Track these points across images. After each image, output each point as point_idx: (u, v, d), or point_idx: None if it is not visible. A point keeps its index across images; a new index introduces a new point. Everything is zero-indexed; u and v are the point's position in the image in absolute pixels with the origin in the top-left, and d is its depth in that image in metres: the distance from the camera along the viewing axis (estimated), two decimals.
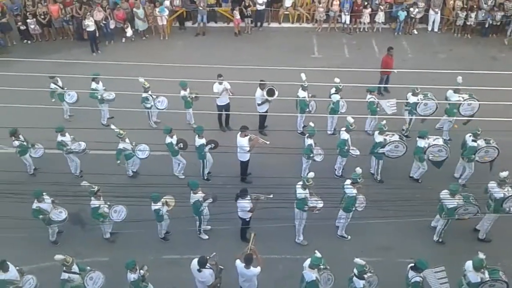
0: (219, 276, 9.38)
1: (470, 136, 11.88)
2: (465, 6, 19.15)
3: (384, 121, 12.26)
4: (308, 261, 9.00)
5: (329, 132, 13.83)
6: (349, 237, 11.30)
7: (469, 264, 9.05)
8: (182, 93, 13.57)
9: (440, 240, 11.13)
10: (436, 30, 19.95)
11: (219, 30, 20.47)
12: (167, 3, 19.44)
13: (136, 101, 13.69)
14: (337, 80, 13.46)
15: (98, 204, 10.55)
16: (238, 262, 9.12)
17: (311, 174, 10.57)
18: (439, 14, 19.55)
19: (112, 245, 11.20)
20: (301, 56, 18.24)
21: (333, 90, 13.53)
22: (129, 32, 19.17)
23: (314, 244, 10.38)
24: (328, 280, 9.19)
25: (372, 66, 15.78)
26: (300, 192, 10.42)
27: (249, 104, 13.50)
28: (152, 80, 13.78)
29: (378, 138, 12.07)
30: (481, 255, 8.93)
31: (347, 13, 19.58)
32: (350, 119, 12.22)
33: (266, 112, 13.74)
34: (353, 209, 10.72)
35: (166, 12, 19.29)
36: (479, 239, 11.18)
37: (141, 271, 9.15)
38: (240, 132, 11.94)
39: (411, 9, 19.30)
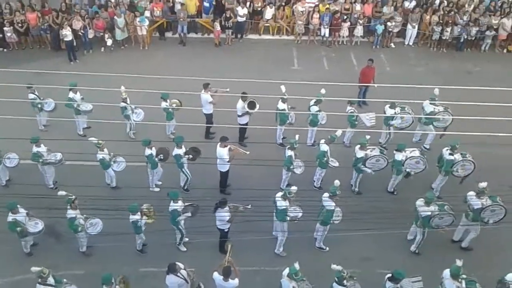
0: None
1: (447, 149, 12.02)
2: (441, 21, 19.59)
3: (369, 137, 12.35)
4: (287, 270, 9.04)
5: (308, 144, 13.90)
6: (327, 248, 11.32)
7: (446, 272, 9.16)
8: (163, 104, 13.51)
9: (417, 251, 11.23)
10: (411, 44, 20.35)
11: (200, 40, 20.51)
12: (147, 13, 19.43)
13: (114, 112, 13.53)
14: (323, 91, 13.54)
15: (75, 214, 10.37)
16: (216, 274, 9.05)
17: (294, 188, 10.51)
18: (416, 28, 19.93)
19: (88, 258, 10.99)
20: (281, 67, 18.38)
21: (312, 102, 13.62)
22: (109, 41, 19.03)
23: (293, 256, 10.36)
24: None
25: (350, 79, 15.93)
26: (281, 203, 10.42)
27: (229, 115, 13.49)
28: (131, 91, 13.68)
29: (359, 153, 12.14)
30: (459, 263, 9.06)
31: (326, 27, 19.83)
32: (339, 132, 12.28)
33: (246, 124, 13.75)
34: (331, 222, 10.76)
35: (147, 22, 19.25)
36: (462, 247, 11.34)
37: (117, 286, 8.98)
38: (220, 143, 11.91)
39: (389, 23, 19.68)
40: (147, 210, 10.47)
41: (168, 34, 20.69)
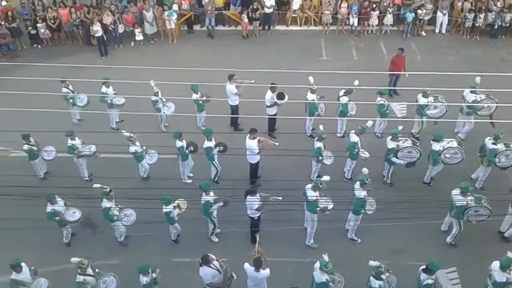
0: (228, 284, 9.37)
1: (490, 139, 11.75)
2: (474, 8, 19.09)
3: (401, 127, 12.15)
4: (318, 263, 9.05)
5: (338, 135, 13.84)
6: (359, 240, 11.28)
7: (496, 264, 9.00)
8: (194, 96, 13.65)
9: (453, 243, 11.08)
10: (444, 32, 19.89)
11: (228, 33, 20.57)
12: (175, 7, 19.59)
13: (145, 105, 13.75)
14: (356, 83, 13.40)
15: (110, 205, 10.62)
16: (247, 265, 9.13)
17: (326, 178, 10.50)
18: (447, 16, 19.47)
19: (124, 248, 11.25)
20: (309, 58, 18.26)
21: (341, 93, 13.51)
22: (139, 36, 19.29)
23: (324, 247, 10.34)
24: (339, 283, 9.19)
25: (380, 69, 15.70)
26: (311, 194, 10.43)
27: (258, 107, 13.51)
28: (161, 83, 13.86)
29: (391, 144, 11.99)
30: (510, 254, 8.90)
31: (355, 16, 19.59)
32: (369, 123, 12.18)
33: (275, 114, 13.77)
34: (363, 211, 10.71)
35: (175, 16, 19.42)
36: (505, 237, 11.15)
37: (153, 274, 9.20)
38: (249, 134, 11.96)
39: (419, 11, 19.27)
40: (182, 204, 10.65)
41: (196, 27, 20.79)
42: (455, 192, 10.45)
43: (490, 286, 9.07)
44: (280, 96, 13.28)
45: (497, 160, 11.68)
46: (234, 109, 14.09)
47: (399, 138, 12.04)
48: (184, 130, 12.28)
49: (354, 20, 19.70)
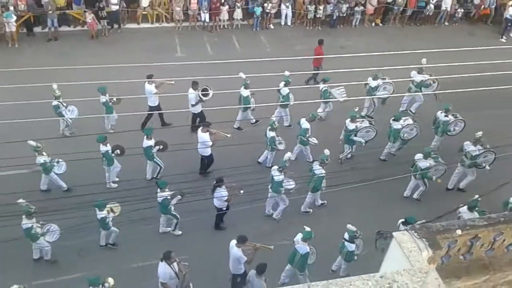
0: None
1: (441, 112, 13.32)
2: (314, 0, 20.75)
3: (357, 108, 13.08)
4: (299, 236, 9.42)
5: (285, 124, 14.38)
6: (311, 210, 11.96)
7: (464, 208, 10.20)
8: (102, 98, 12.86)
9: (418, 199, 12.43)
10: (289, 24, 21.24)
11: (74, 34, 19.20)
12: (11, 8, 17.78)
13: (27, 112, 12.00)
14: (287, 73, 13.84)
15: (31, 224, 9.62)
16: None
17: (288, 155, 11.20)
18: (290, 8, 20.90)
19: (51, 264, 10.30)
20: (165, 55, 17.91)
21: (281, 84, 13.81)
22: None
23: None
24: (312, 253, 9.61)
25: (234, 62, 16.00)
26: (277, 175, 10.91)
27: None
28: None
29: (351, 126, 12.76)
30: (476, 196, 10.23)
31: (206, 11, 19.87)
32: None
33: (201, 112, 13.63)
34: (322, 189, 11.44)
35: (14, 18, 17.49)
36: (459, 188, 12.79)
37: (105, 284, 8.53)
38: (201, 128, 11.98)
39: (265, 4, 20.29)
40: (115, 208, 10.26)
41: (38, 29, 18.95)
42: (418, 156, 11.83)
43: None
44: (205, 91, 13.11)
45: (450, 129, 13.33)
46: (153, 110, 13.69)
47: (356, 120, 12.85)
48: (91, 133, 11.63)
49: (205, 16, 19.99)
